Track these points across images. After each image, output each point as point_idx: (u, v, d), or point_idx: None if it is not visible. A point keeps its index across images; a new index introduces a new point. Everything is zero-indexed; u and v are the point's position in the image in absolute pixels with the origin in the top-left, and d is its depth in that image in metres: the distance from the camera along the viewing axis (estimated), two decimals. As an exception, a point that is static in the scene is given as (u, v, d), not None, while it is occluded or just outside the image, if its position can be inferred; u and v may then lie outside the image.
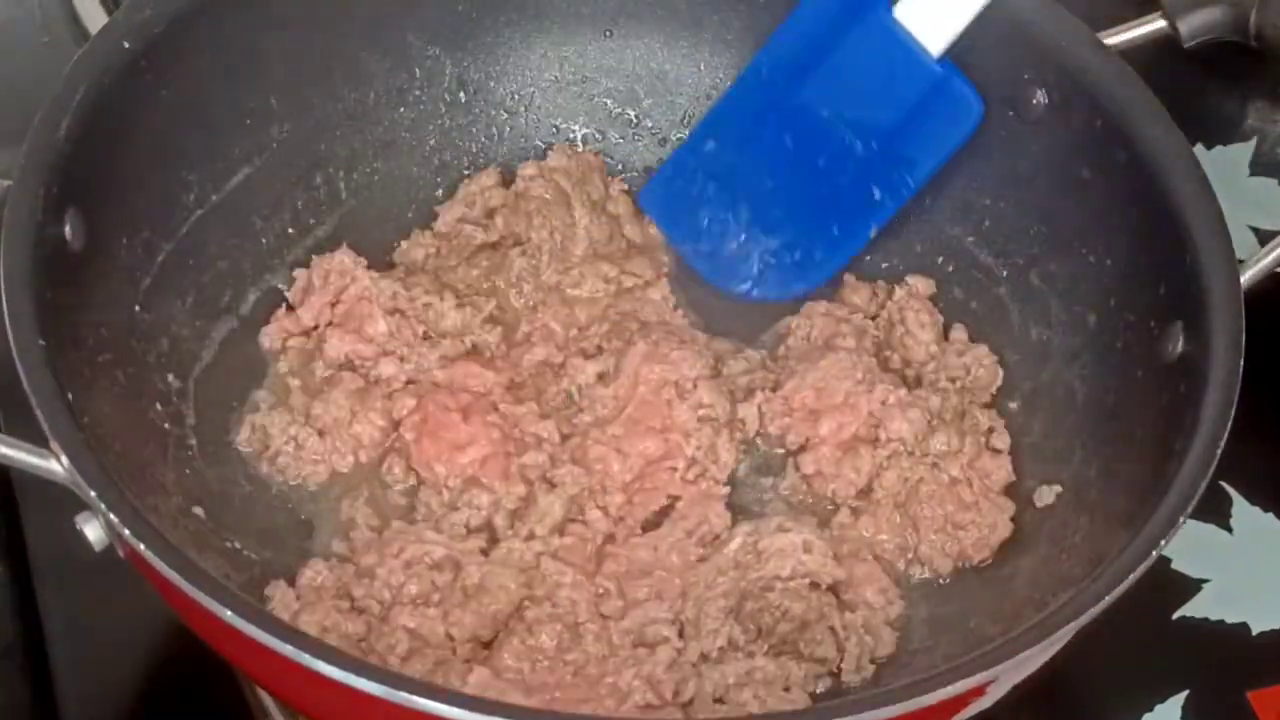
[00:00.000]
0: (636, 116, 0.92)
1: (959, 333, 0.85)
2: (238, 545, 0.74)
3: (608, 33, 0.91)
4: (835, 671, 0.73)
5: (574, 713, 0.69)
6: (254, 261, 0.83)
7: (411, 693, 0.58)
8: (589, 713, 0.69)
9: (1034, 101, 0.81)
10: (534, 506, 0.76)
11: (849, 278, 0.87)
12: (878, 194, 0.78)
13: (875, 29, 0.68)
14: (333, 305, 0.82)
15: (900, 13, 0.66)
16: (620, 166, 0.92)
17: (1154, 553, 0.64)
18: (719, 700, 0.71)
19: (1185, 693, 0.80)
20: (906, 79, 0.69)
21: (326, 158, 0.86)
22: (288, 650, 0.59)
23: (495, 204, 0.87)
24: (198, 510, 0.74)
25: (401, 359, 0.81)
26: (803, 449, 0.81)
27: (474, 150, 0.90)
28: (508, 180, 0.88)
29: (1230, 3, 0.82)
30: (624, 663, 0.71)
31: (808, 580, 0.74)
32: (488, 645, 0.72)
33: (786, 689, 0.71)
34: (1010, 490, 0.80)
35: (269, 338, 0.82)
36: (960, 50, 0.82)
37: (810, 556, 0.74)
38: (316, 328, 0.82)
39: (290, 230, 0.85)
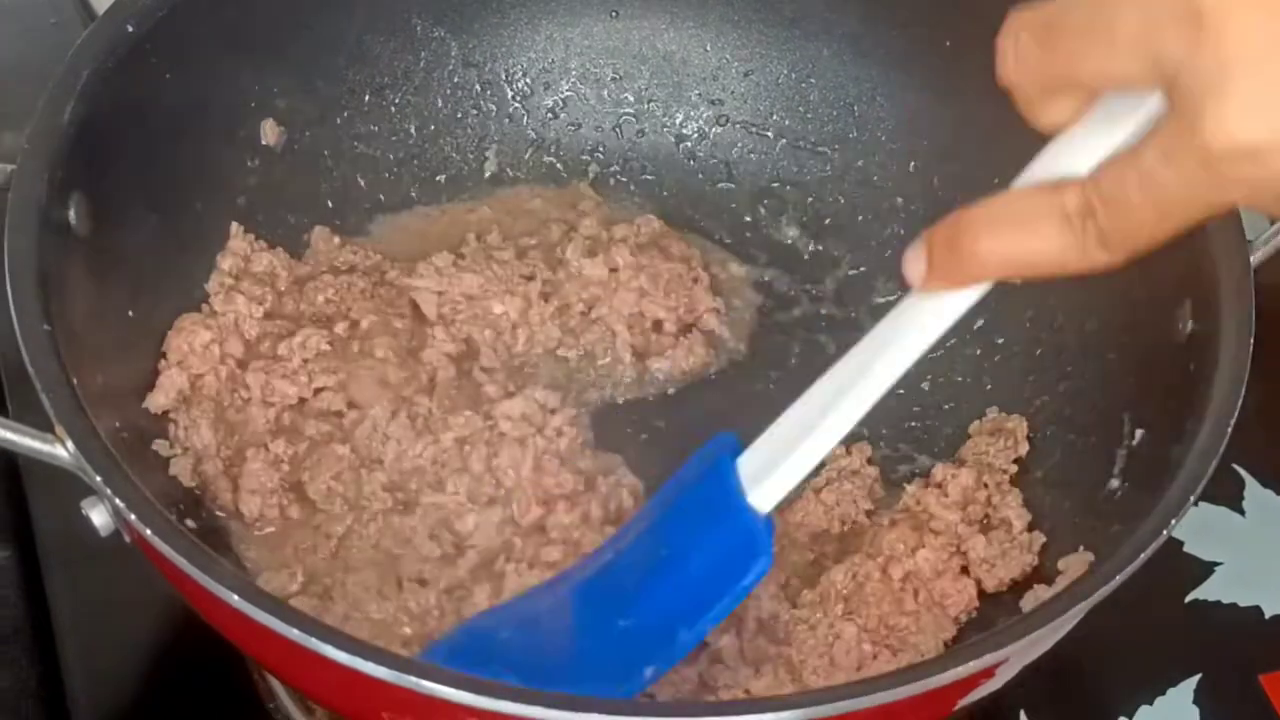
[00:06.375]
0: (642, 99, 0.91)
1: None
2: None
3: (614, 14, 0.90)
4: None
5: (582, 696, 0.69)
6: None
7: (420, 676, 0.58)
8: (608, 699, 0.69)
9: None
10: None
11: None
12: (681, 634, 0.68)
13: (717, 483, 0.67)
14: None
15: (742, 468, 0.66)
16: (629, 146, 0.91)
17: (1165, 532, 0.63)
18: None
19: (1198, 676, 0.80)
20: (728, 528, 0.67)
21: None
22: (294, 634, 0.58)
23: None
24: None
25: None
26: None
27: (478, 133, 0.90)
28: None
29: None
30: None
31: None
32: None
33: None
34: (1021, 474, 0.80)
35: None
36: (964, 39, 0.82)
37: None
38: None
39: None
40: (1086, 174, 0.52)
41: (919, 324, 0.59)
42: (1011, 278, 0.55)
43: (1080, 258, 0.52)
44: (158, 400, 0.75)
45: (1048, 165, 0.54)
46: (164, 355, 0.77)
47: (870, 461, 0.81)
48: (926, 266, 0.56)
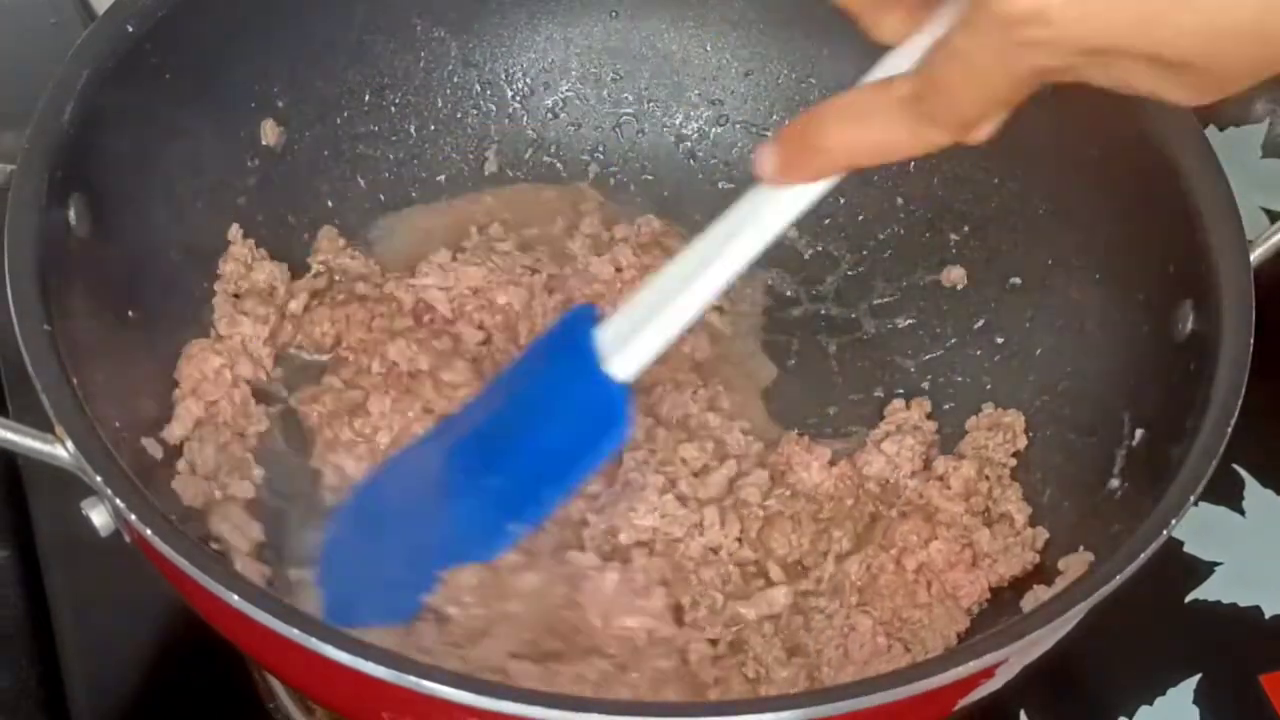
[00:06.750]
0: (642, 99, 0.91)
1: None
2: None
3: (614, 14, 0.90)
4: None
5: (585, 696, 0.69)
6: (261, 247, 0.83)
7: (419, 676, 0.57)
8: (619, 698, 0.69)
9: (1041, 80, 0.81)
10: None
11: None
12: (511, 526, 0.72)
13: (577, 354, 0.68)
14: None
15: (601, 339, 0.68)
16: (629, 146, 0.91)
17: (1165, 532, 0.63)
18: None
19: (1197, 676, 0.80)
20: (588, 394, 0.69)
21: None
22: (294, 634, 0.58)
23: None
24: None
25: None
26: None
27: (478, 133, 0.90)
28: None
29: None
30: None
31: None
32: None
33: None
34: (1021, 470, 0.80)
35: None
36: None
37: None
38: None
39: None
40: (911, 68, 0.57)
41: (775, 207, 0.62)
42: (858, 167, 0.59)
43: (912, 138, 0.57)
44: (175, 432, 0.75)
45: (883, 68, 0.59)
46: (177, 384, 0.77)
47: (930, 416, 0.82)
48: (779, 162, 0.60)
